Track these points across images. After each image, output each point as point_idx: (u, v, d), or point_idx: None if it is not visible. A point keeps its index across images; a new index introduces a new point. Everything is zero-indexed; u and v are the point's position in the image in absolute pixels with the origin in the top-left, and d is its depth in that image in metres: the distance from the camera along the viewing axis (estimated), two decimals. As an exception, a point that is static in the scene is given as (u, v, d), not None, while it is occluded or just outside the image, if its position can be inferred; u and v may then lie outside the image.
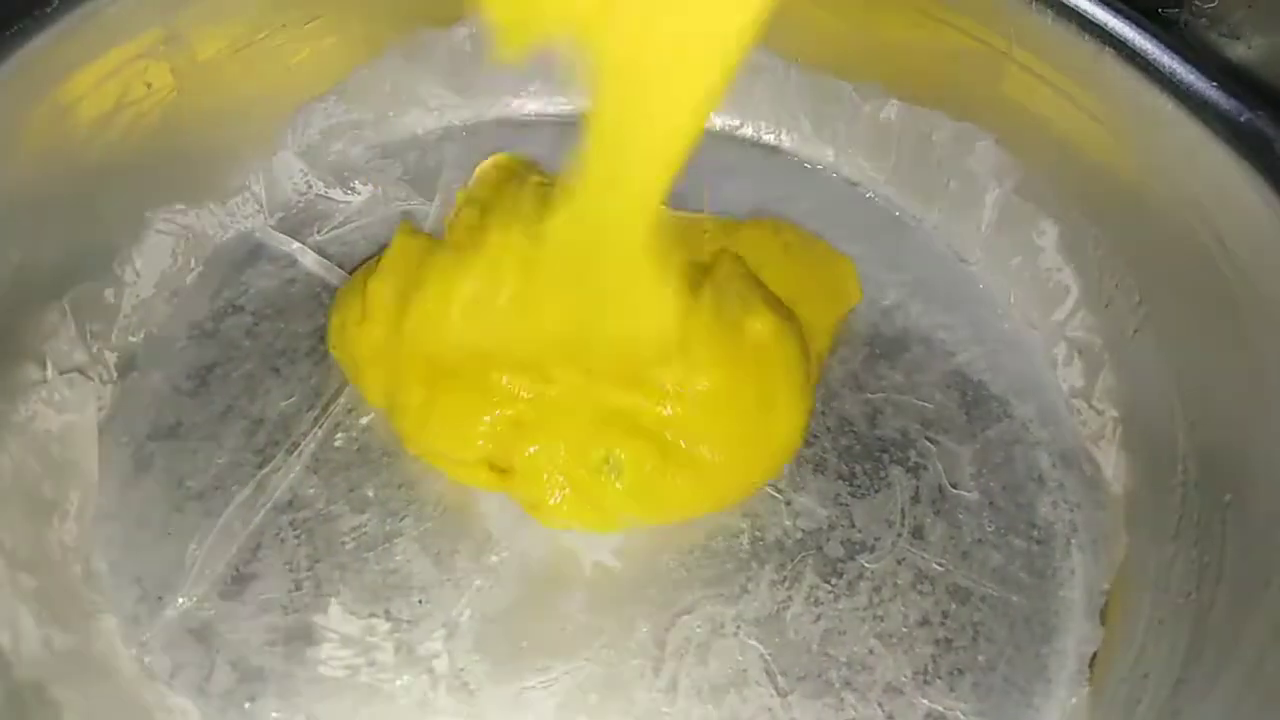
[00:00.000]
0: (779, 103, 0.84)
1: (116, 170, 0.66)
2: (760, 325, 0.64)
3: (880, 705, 0.57)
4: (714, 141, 0.84)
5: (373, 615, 0.58)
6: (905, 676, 0.59)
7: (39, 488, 0.57)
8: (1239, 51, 0.93)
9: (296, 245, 0.75)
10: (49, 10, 0.60)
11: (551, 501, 0.61)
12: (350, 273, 0.73)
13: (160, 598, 0.58)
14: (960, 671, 0.59)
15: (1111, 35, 0.67)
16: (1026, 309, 0.75)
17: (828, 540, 0.63)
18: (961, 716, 0.58)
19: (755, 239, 0.75)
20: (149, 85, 0.67)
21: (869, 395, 0.70)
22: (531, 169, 0.78)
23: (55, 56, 0.61)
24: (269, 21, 0.73)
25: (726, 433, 0.63)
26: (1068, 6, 0.68)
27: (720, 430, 0.62)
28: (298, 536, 0.60)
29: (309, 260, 0.74)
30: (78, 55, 0.62)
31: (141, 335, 0.69)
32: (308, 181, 0.79)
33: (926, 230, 0.80)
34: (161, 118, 0.68)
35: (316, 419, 0.65)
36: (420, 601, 0.59)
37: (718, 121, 0.86)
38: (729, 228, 0.77)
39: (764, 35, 0.81)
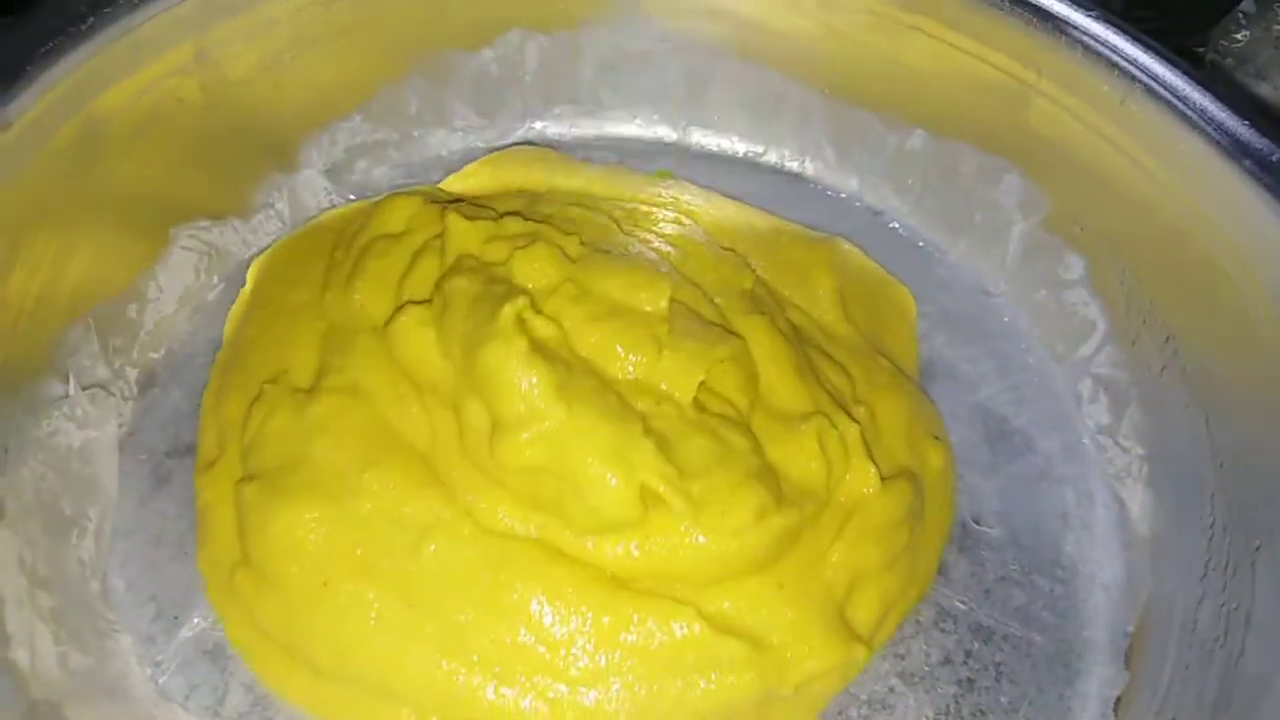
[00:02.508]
0: (803, 131, 0.84)
1: (143, 186, 0.66)
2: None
3: (902, 746, 0.56)
4: (736, 168, 0.84)
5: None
6: (927, 717, 0.58)
7: (58, 503, 0.57)
8: (1265, 91, 0.92)
9: (319, 263, 0.75)
10: (83, 27, 0.60)
11: None
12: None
13: (176, 617, 0.58)
14: (983, 713, 0.58)
15: (1141, 70, 0.66)
16: (1052, 343, 0.74)
17: (849, 574, 0.62)
18: (983, 759, 0.57)
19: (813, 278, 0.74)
20: (180, 101, 0.67)
21: (892, 427, 0.70)
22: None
23: (88, 73, 0.61)
24: (297, 40, 0.73)
25: None
26: (1097, 41, 0.68)
27: None
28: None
29: (331, 279, 0.74)
30: (111, 72, 0.62)
31: (163, 352, 0.69)
32: (331, 200, 0.79)
33: (951, 262, 0.80)
34: (190, 134, 0.68)
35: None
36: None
37: (741, 148, 0.86)
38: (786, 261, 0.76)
39: (788, 63, 0.82)
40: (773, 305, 0.69)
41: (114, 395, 0.63)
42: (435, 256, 0.65)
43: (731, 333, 0.63)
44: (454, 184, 0.79)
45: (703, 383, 0.59)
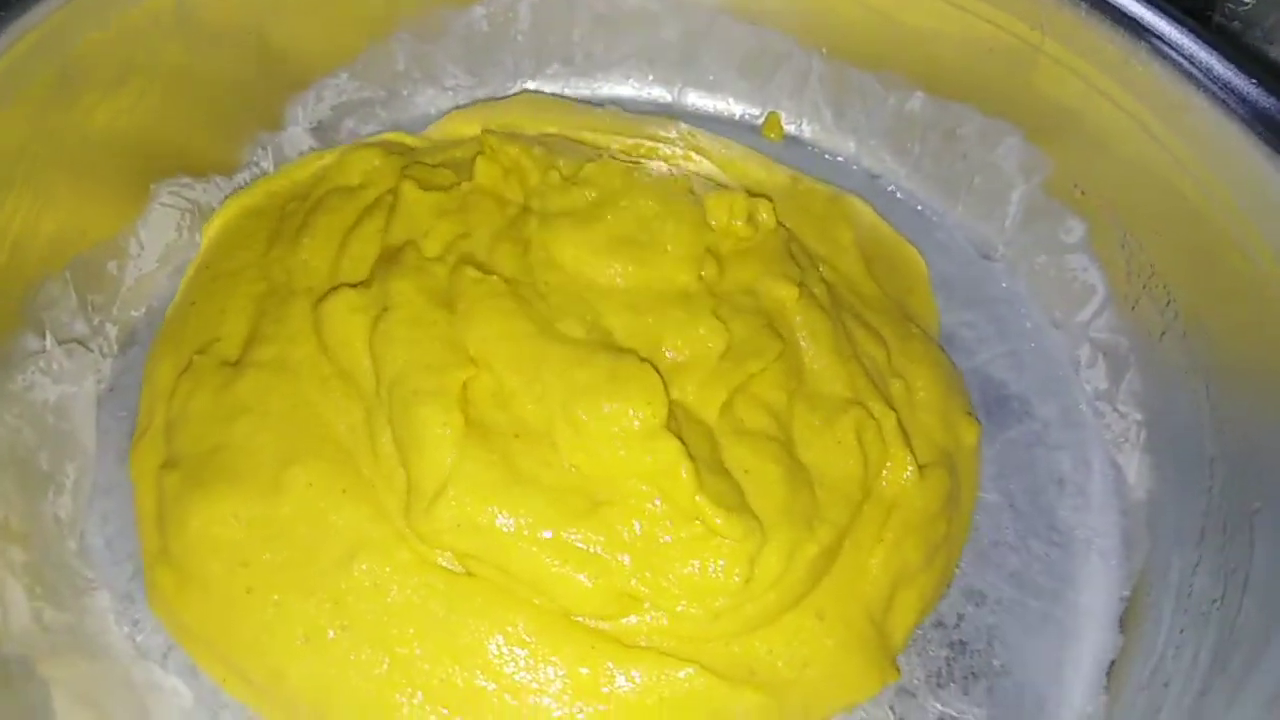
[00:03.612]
0: (800, 92, 0.82)
1: (122, 140, 0.65)
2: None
3: (892, 708, 0.56)
4: (733, 130, 0.82)
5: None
6: (918, 679, 0.57)
7: (34, 459, 0.56)
8: (1274, 55, 0.91)
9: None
10: (58, -28, 0.58)
11: None
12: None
13: (155, 576, 0.56)
14: (975, 676, 0.57)
15: (1146, 28, 0.65)
16: (1051, 308, 0.73)
17: (841, 537, 0.62)
18: (975, 722, 0.56)
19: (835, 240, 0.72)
20: (159, 53, 0.65)
21: (886, 391, 0.69)
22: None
23: (63, 23, 0.59)
24: (282, -6, 0.71)
25: None
26: (1102, -1, 0.66)
27: None
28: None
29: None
30: (86, 23, 0.61)
31: (144, 309, 0.67)
32: (318, 158, 0.77)
33: (949, 226, 0.78)
34: (170, 88, 0.66)
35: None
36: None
37: (737, 110, 0.85)
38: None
39: (786, 22, 0.81)
40: (805, 261, 0.66)
41: (92, 351, 0.62)
42: (384, 216, 0.61)
43: (769, 325, 0.59)
44: (447, 128, 0.77)
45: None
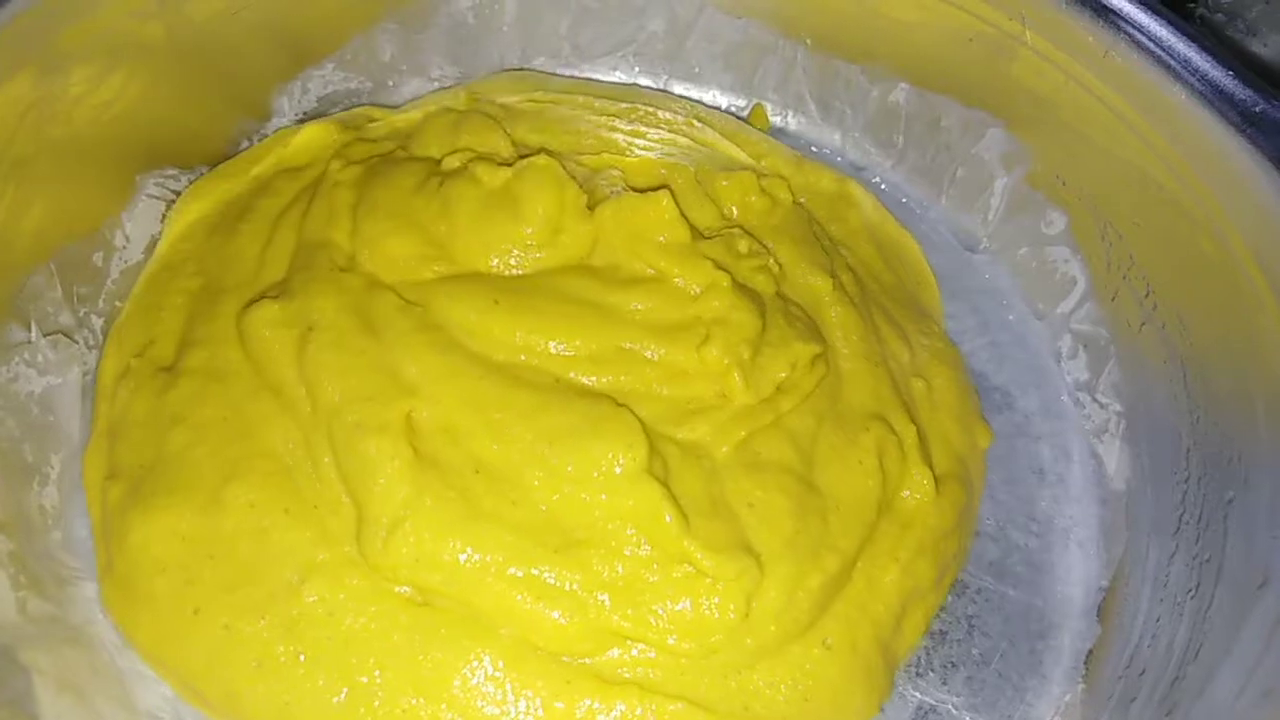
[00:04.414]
0: (785, 84, 0.83)
1: (108, 132, 0.65)
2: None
3: (871, 697, 0.56)
4: (718, 122, 0.83)
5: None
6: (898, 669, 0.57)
7: (19, 450, 0.56)
8: (1256, 47, 0.91)
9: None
10: (39, -38, 0.58)
11: None
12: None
13: (140, 566, 0.57)
14: (954, 665, 0.58)
15: (1126, 21, 0.65)
16: (1033, 300, 0.74)
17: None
18: (954, 710, 0.57)
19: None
20: (143, 44, 0.65)
21: (869, 382, 0.69)
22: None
23: (46, 12, 0.59)
24: (268, -16, 0.71)
25: None
26: (1082, -9, 0.66)
27: None
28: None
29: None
30: (69, 11, 0.61)
31: (128, 301, 0.67)
32: (304, 150, 0.77)
33: (932, 218, 0.79)
34: (155, 79, 0.66)
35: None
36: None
37: (723, 101, 0.85)
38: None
39: (771, 14, 0.81)
40: (828, 244, 0.64)
41: (77, 343, 0.62)
42: (313, 202, 0.58)
43: (804, 319, 0.57)
44: (426, 104, 0.75)
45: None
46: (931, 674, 0.58)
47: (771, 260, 0.60)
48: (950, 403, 0.63)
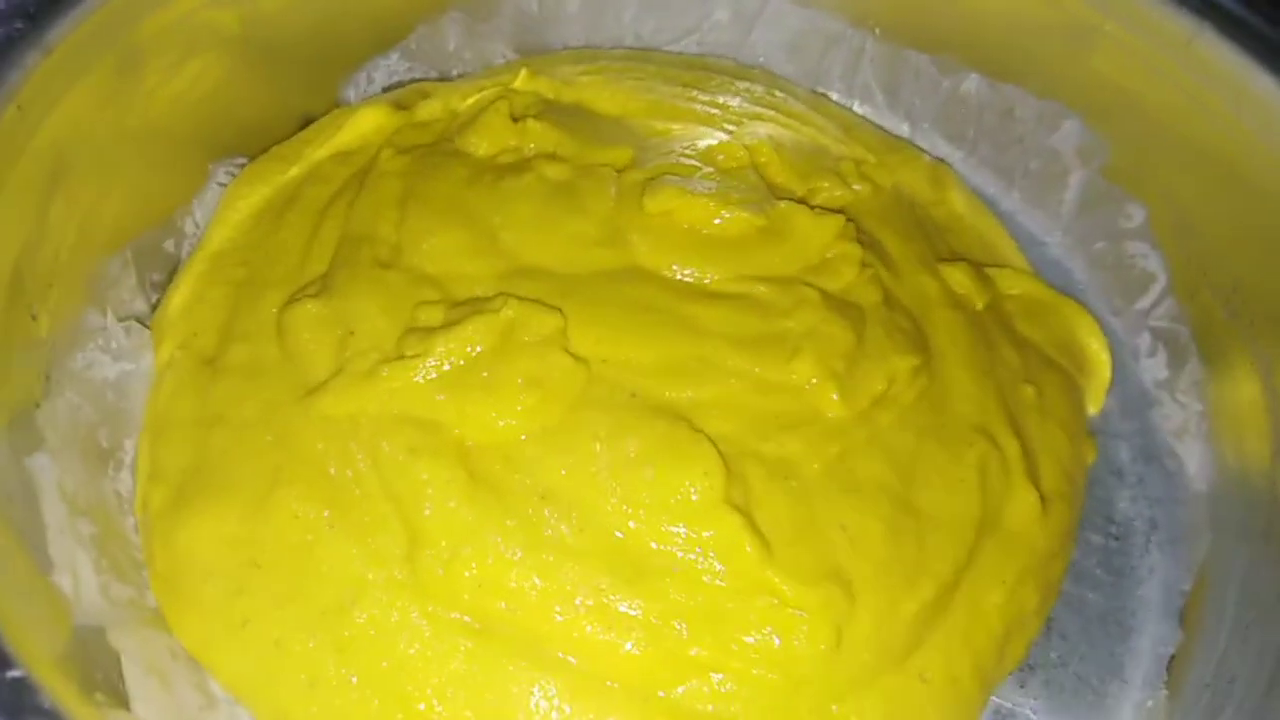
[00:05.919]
0: (852, 74, 0.81)
1: (183, 121, 0.65)
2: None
3: (947, 698, 0.55)
4: (783, 113, 0.82)
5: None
6: (974, 669, 0.56)
7: (95, 435, 0.57)
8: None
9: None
10: (121, -47, 0.58)
11: None
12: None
13: (214, 552, 0.57)
14: (1031, 668, 0.57)
15: (1211, 6, 0.63)
16: (1109, 296, 0.72)
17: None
18: (1031, 714, 0.55)
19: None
20: (217, 34, 0.65)
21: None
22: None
23: (124, 4, 0.60)
24: (336, -26, 0.71)
25: None
26: (1166, -24, 0.64)
27: None
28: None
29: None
30: (147, 3, 0.61)
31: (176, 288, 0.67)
32: (369, 140, 0.77)
33: (1004, 211, 0.77)
34: (227, 68, 0.67)
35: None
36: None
37: (788, 92, 0.84)
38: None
39: (838, 3, 0.79)
40: (934, 231, 0.62)
41: (150, 329, 0.63)
42: (360, 192, 0.57)
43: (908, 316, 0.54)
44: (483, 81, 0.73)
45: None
46: (1010, 677, 0.56)
47: (881, 267, 0.58)
48: (1061, 413, 0.60)
